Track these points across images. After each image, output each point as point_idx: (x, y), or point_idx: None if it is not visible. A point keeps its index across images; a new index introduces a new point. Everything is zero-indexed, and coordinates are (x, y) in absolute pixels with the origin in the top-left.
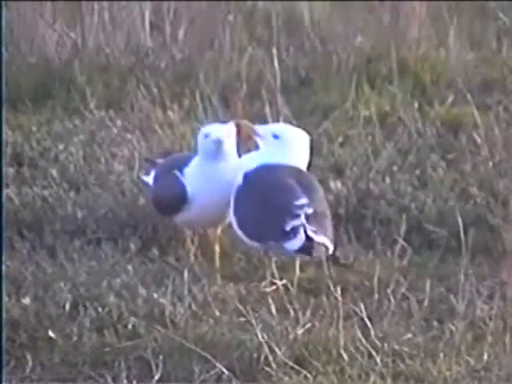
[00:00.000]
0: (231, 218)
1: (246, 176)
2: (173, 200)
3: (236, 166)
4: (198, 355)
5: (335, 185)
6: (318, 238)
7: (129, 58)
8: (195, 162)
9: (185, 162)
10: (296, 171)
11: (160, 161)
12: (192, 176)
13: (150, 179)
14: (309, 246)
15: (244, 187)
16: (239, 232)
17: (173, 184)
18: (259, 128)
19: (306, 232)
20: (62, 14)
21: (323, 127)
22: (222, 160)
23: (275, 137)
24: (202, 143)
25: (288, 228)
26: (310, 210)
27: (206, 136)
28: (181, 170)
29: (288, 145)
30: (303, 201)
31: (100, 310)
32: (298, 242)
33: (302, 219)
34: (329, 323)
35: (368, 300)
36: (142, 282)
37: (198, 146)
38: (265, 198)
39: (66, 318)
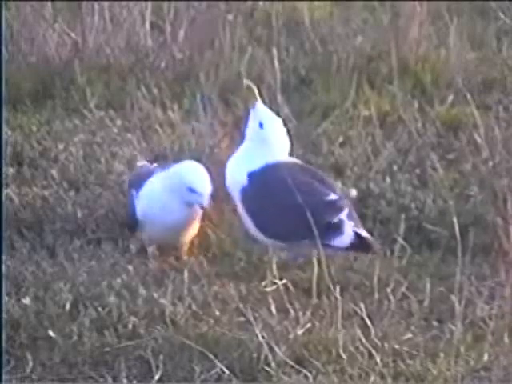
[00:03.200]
0: (244, 219)
1: (252, 176)
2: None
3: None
4: (198, 355)
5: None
6: (362, 232)
7: (129, 57)
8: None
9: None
10: (301, 167)
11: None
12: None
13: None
14: (358, 241)
15: (253, 188)
16: (259, 233)
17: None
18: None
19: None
20: (62, 13)
21: (323, 127)
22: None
23: (260, 125)
24: (181, 191)
25: (336, 225)
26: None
27: (192, 191)
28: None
29: (270, 136)
30: (333, 196)
31: (100, 309)
32: (346, 238)
33: (345, 214)
34: (329, 323)
35: (368, 300)
36: (142, 282)
37: (171, 186)
38: (289, 197)
39: (66, 317)
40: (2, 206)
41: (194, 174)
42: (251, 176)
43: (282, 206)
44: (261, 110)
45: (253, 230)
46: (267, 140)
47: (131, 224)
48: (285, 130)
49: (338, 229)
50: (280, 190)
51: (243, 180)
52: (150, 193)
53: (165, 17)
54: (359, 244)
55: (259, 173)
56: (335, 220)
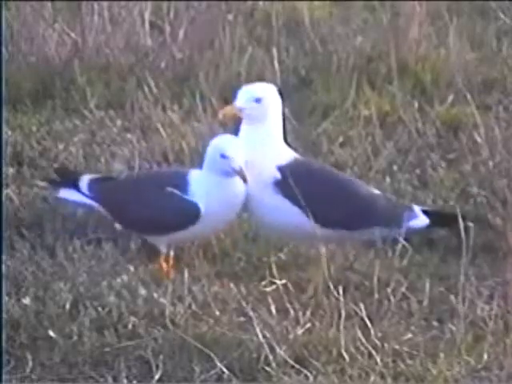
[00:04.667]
0: (285, 213)
1: (284, 169)
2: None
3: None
4: (198, 355)
5: None
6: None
7: (128, 57)
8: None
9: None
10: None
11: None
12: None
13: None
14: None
15: (296, 179)
16: (314, 225)
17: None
18: (239, 101)
19: None
20: (62, 14)
21: (323, 127)
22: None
23: (257, 101)
24: (216, 161)
25: (409, 208)
26: None
27: (224, 157)
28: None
29: (269, 105)
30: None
31: (100, 309)
32: (423, 217)
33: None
34: (329, 323)
35: (368, 300)
36: (142, 282)
37: (209, 160)
38: (349, 186)
39: (66, 317)
40: (2, 206)
41: (225, 141)
42: (283, 169)
43: (347, 194)
44: (245, 96)
45: (304, 222)
46: (262, 110)
47: (185, 221)
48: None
49: (412, 211)
50: (334, 181)
51: (273, 173)
52: (207, 181)
53: (164, 17)
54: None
55: (289, 167)
56: (407, 204)
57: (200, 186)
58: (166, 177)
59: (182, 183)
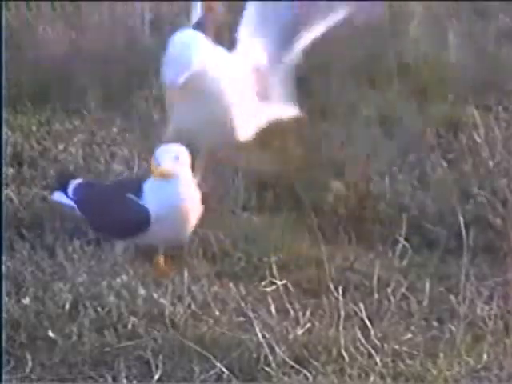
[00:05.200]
0: None
1: None
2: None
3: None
4: (197, 355)
5: (335, 185)
6: None
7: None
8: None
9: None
10: None
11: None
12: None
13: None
14: None
15: None
16: None
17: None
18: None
19: None
20: (62, 13)
21: (323, 127)
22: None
23: None
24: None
25: None
26: None
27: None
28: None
29: None
30: None
31: (100, 310)
32: None
33: None
34: (329, 323)
35: (368, 300)
36: (141, 281)
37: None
38: None
39: (66, 317)
40: (2, 205)
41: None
42: None
43: None
44: None
45: None
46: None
47: (139, 226)
48: None
49: None
50: None
51: None
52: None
53: (164, 17)
54: None
55: None
56: None
57: (151, 190)
58: (126, 183)
59: (138, 188)
